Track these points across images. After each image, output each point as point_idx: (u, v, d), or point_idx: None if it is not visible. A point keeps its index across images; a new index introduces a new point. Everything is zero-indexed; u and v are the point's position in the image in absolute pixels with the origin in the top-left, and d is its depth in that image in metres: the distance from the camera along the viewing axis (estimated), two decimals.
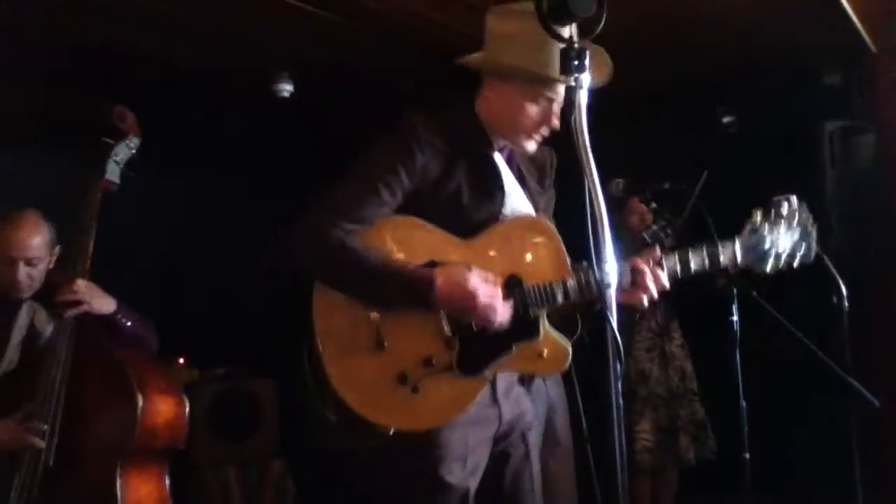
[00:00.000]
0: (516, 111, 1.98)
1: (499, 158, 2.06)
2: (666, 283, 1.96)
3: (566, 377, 3.45)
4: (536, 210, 2.09)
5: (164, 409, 2.45)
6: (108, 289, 2.51)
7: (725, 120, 4.46)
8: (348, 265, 1.86)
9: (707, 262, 1.98)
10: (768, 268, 2.02)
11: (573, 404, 3.52)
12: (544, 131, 2.01)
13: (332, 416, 1.92)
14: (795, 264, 2.03)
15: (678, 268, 1.97)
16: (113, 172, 2.51)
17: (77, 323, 2.40)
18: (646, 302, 1.96)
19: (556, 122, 1.99)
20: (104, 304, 2.46)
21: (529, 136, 2.02)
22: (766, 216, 2.01)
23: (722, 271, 3.19)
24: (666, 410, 3.70)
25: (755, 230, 2.00)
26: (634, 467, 3.57)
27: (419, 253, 1.93)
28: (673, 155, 3.98)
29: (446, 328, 1.91)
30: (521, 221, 2.03)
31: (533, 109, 1.97)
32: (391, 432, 1.90)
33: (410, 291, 1.87)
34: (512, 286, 1.93)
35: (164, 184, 5.09)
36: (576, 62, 1.51)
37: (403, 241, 1.94)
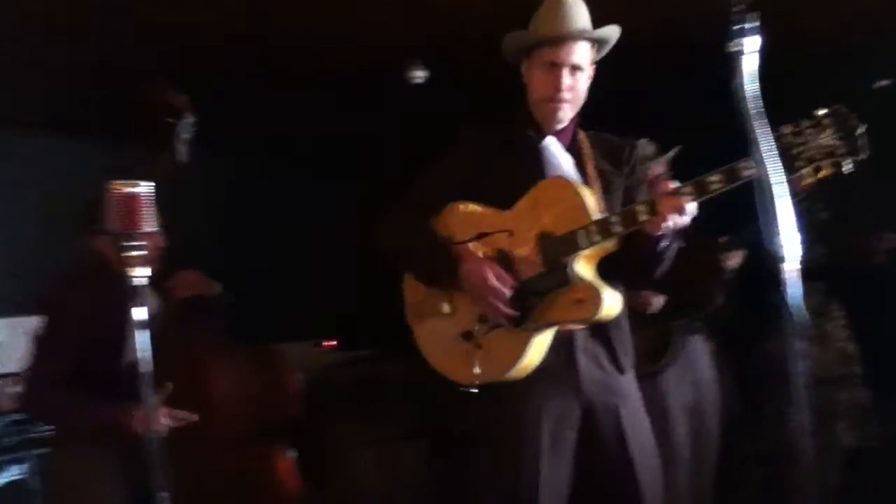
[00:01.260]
0: (530, 84, 2.20)
1: (552, 142, 2.23)
2: (686, 205, 1.95)
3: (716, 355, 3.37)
4: (608, 191, 2.21)
5: (293, 384, 2.59)
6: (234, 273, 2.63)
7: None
8: (404, 250, 2.24)
9: (725, 176, 1.90)
10: (803, 171, 1.86)
11: (724, 385, 3.44)
12: (557, 99, 2.15)
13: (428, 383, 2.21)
14: (843, 167, 1.85)
15: (695, 189, 1.94)
16: (181, 153, 2.57)
17: (185, 307, 2.53)
18: (669, 226, 1.97)
19: (563, 90, 2.14)
20: (212, 288, 2.61)
21: (547, 107, 2.18)
22: (797, 126, 1.87)
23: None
24: (822, 394, 3.52)
25: (779, 137, 1.83)
26: (787, 452, 3.43)
27: (470, 229, 2.21)
28: None
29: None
30: (547, 183, 2.19)
31: (540, 78, 2.16)
32: (475, 389, 2.12)
33: (444, 276, 2.17)
34: (542, 240, 2.13)
35: (296, 169, 5.32)
36: (737, 26, 1.47)
37: (457, 223, 2.23)
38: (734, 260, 3.28)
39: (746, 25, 1.46)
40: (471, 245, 2.18)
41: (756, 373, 3.55)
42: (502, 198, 2.18)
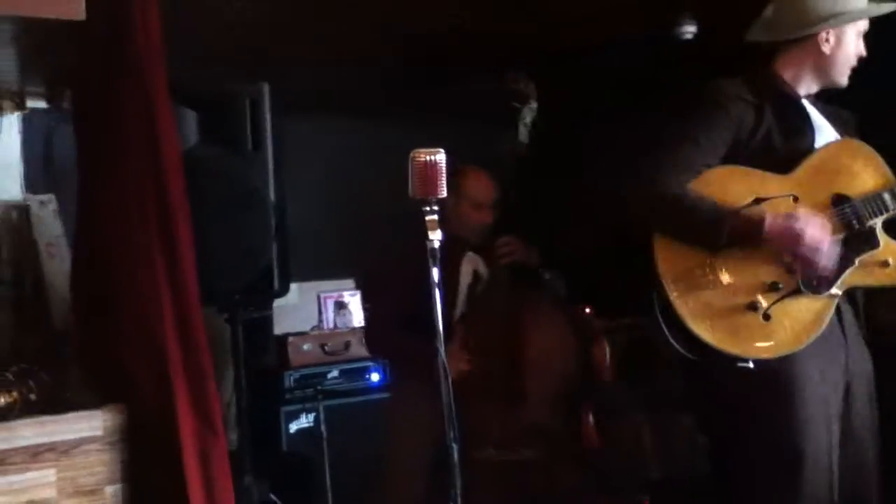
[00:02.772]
0: (848, 51, 2.21)
1: (806, 103, 2.24)
2: None
3: None
4: None
5: (603, 352, 2.62)
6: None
7: None
8: (685, 210, 2.04)
9: None
10: None
11: None
12: (854, 66, 2.24)
13: (691, 356, 2.02)
14: None
15: None
16: (523, 134, 2.71)
17: (508, 273, 2.74)
18: None
19: (864, 51, 2.23)
20: (531, 256, 2.83)
21: (847, 72, 2.24)
22: None
23: None
24: None
25: None
26: None
27: (743, 194, 2.07)
28: None
29: (786, 254, 2.03)
30: (834, 146, 2.15)
31: (858, 45, 2.23)
32: (751, 364, 1.98)
33: (742, 232, 2.01)
34: (839, 203, 2.07)
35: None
36: None
37: (727, 186, 2.09)
38: None
39: None
40: (751, 210, 2.06)
41: None
42: (773, 161, 2.09)
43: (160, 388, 2.27)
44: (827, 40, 2.20)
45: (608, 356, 2.68)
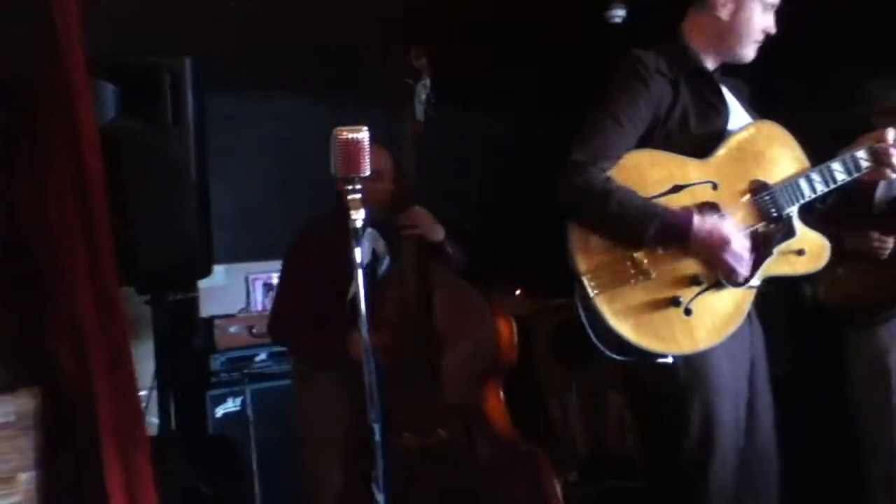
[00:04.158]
0: (749, 20, 2.12)
1: (719, 80, 2.19)
2: None
3: None
4: None
5: (507, 329, 2.61)
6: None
7: None
8: (612, 206, 1.96)
9: None
10: None
11: None
12: (761, 40, 2.16)
13: (609, 353, 1.98)
14: None
15: None
16: (419, 112, 2.65)
17: (415, 248, 2.63)
18: (890, 175, 2.05)
19: (773, 29, 2.15)
20: (436, 231, 2.71)
21: (754, 45, 2.16)
22: None
23: None
24: None
25: None
26: None
27: (662, 180, 2.02)
28: None
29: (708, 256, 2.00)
30: (751, 129, 2.12)
31: (764, 18, 2.13)
32: (670, 359, 1.97)
33: (667, 232, 1.96)
34: (758, 191, 2.04)
35: (486, 114, 5.34)
36: None
37: (646, 172, 2.02)
38: None
39: None
40: (667, 199, 2.01)
41: None
42: (689, 142, 2.06)
43: (79, 370, 2.21)
44: (724, 5, 2.13)
45: (514, 335, 2.64)
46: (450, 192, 4.72)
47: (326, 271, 2.63)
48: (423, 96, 2.66)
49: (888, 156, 2.02)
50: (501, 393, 2.64)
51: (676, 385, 2.05)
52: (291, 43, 3.96)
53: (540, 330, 4.39)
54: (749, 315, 2.11)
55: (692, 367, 2.03)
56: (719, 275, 1.99)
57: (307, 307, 2.75)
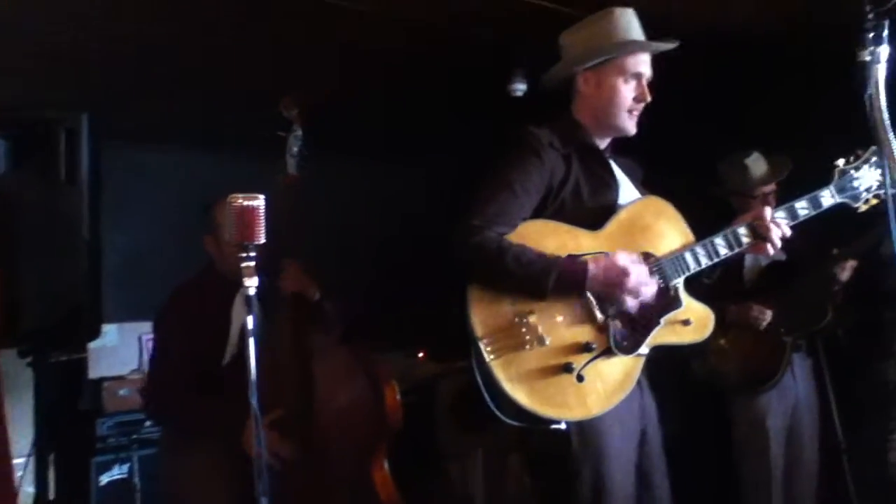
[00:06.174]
0: (613, 93, 2.19)
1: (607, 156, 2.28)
2: (787, 230, 2.15)
3: (818, 373, 3.27)
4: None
5: (392, 396, 2.56)
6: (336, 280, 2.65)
7: None
8: (509, 262, 1.99)
9: (811, 204, 2.18)
10: (862, 204, 2.19)
11: (826, 405, 3.31)
12: (640, 107, 2.22)
13: (505, 418, 2.00)
14: (875, 197, 2.19)
15: (788, 214, 2.17)
16: (291, 165, 2.60)
17: (291, 309, 2.54)
18: (771, 251, 2.16)
19: (649, 96, 2.20)
20: (310, 290, 2.62)
21: (630, 115, 2.22)
22: (848, 161, 2.19)
23: None
24: None
25: (843, 172, 2.19)
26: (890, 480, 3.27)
27: (556, 250, 2.07)
28: None
29: (598, 314, 2.05)
30: (640, 204, 2.22)
31: (627, 87, 2.19)
32: (563, 426, 2.03)
33: (566, 279, 2.01)
34: (648, 263, 2.11)
35: (396, 173, 5.39)
36: (871, 34, 1.41)
37: (541, 241, 2.07)
38: (846, 272, 3.18)
39: (880, 33, 1.41)
40: None
41: (863, 395, 3.41)
42: (581, 215, 2.13)
43: None
44: (586, 83, 2.22)
45: (399, 401, 2.57)
46: (343, 248, 4.75)
47: (200, 338, 2.55)
48: (295, 148, 2.61)
49: (767, 230, 2.14)
50: (386, 462, 2.57)
51: (569, 451, 2.08)
52: (185, 97, 3.94)
53: (441, 392, 4.38)
54: (640, 383, 2.17)
55: (584, 433, 2.07)
56: (626, 301, 2.04)
57: (184, 376, 2.60)
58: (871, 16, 1.42)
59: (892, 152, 1.40)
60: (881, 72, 1.44)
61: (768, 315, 3.18)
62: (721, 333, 3.18)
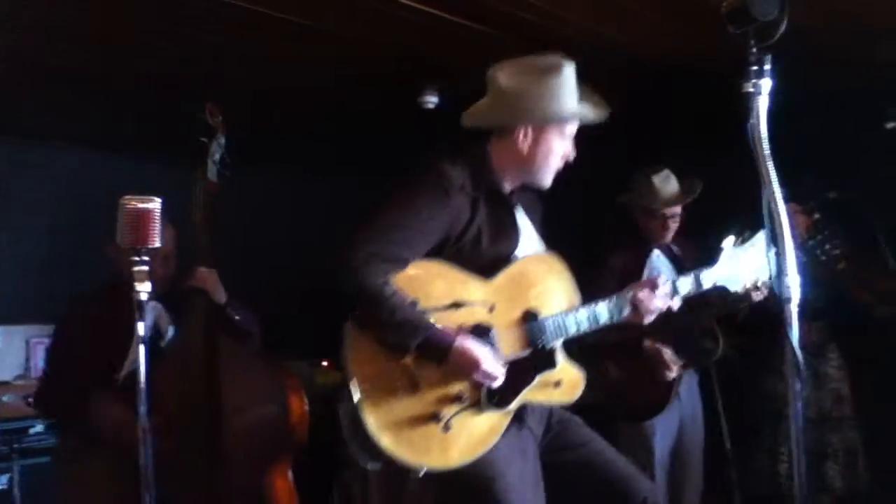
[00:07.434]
0: (549, 153, 2.17)
1: (514, 201, 2.27)
2: (662, 305, 2.20)
3: (707, 387, 3.38)
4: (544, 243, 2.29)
5: (299, 405, 2.55)
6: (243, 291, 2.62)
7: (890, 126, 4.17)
8: (384, 310, 1.97)
9: (693, 284, 2.23)
10: (739, 288, 2.26)
11: (715, 422, 3.42)
12: (560, 166, 2.21)
13: (363, 460, 2.03)
14: (759, 284, 2.29)
15: (671, 290, 2.21)
16: (212, 172, 2.58)
17: (202, 311, 2.52)
18: (646, 321, 2.21)
19: (573, 155, 2.21)
20: (218, 293, 2.60)
21: (553, 172, 2.21)
22: (735, 242, 2.26)
23: None
24: (814, 434, 3.42)
25: (731, 255, 2.25)
26: (778, 492, 3.40)
27: (442, 295, 2.05)
28: (835, 160, 3.77)
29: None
30: (535, 259, 2.22)
31: (562, 146, 2.18)
32: (421, 473, 2.01)
33: (430, 348, 1.99)
34: (530, 320, 2.12)
35: (306, 187, 5.35)
36: (756, 67, 1.49)
37: (429, 283, 2.06)
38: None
39: (762, 66, 1.48)
40: (446, 314, 2.04)
41: (751, 412, 3.53)
42: (477, 261, 2.12)
43: None
44: (525, 137, 2.16)
45: (306, 411, 2.55)
46: (250, 256, 4.68)
47: (101, 344, 2.51)
48: (218, 156, 2.58)
49: (647, 313, 2.19)
50: (290, 473, 2.55)
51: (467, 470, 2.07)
52: (90, 98, 3.81)
53: (343, 403, 4.35)
54: (529, 426, 2.18)
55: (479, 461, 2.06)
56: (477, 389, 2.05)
57: (80, 380, 2.55)
58: (754, 50, 1.49)
59: (770, 180, 1.48)
60: (763, 103, 1.52)
61: (667, 352, 3.21)
62: (616, 364, 3.26)
